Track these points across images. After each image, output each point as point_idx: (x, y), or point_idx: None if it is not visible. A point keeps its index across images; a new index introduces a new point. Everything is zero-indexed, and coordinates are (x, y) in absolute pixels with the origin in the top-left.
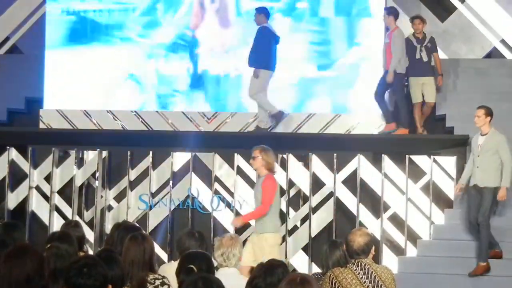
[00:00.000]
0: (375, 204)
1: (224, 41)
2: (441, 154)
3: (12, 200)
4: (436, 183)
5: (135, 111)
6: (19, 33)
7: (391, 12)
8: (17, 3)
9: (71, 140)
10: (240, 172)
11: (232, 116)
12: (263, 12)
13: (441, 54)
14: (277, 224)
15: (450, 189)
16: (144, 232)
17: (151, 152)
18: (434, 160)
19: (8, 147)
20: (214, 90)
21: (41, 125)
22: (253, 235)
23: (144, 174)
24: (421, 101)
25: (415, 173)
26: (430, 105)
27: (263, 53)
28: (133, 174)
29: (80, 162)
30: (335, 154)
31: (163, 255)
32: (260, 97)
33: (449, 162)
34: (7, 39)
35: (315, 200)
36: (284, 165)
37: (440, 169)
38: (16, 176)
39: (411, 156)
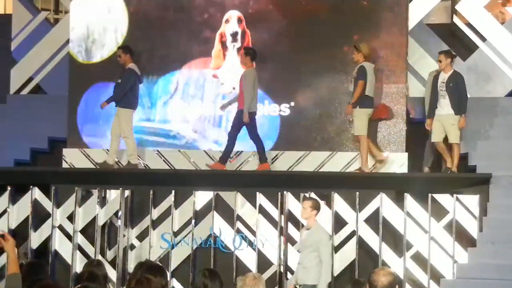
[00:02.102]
0: (397, 243)
1: None
2: (464, 193)
3: (36, 239)
4: (459, 222)
5: (158, 150)
6: (43, 73)
7: (248, 53)
8: (40, 44)
9: (93, 179)
10: (262, 210)
11: (253, 155)
12: (129, 52)
13: None
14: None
15: (473, 228)
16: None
17: (173, 191)
18: (457, 199)
19: (31, 187)
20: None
21: (64, 165)
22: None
23: (167, 213)
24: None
25: (438, 211)
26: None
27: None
28: (155, 213)
29: (102, 201)
30: (357, 193)
31: None
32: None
33: (472, 200)
34: (30, 79)
35: (337, 238)
36: None
37: (463, 207)
38: (39, 216)
39: (433, 195)
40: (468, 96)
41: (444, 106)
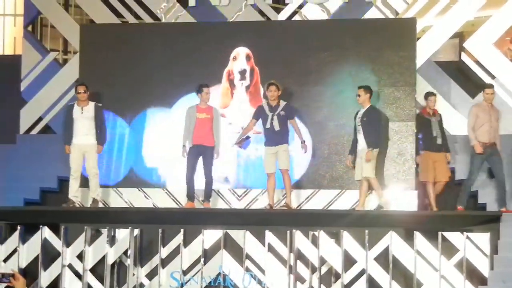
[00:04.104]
0: (408, 281)
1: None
2: (474, 231)
3: (45, 278)
4: (469, 260)
5: (166, 189)
6: (52, 113)
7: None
8: (49, 84)
9: (103, 219)
10: (271, 249)
11: (262, 193)
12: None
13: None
14: None
15: (484, 266)
16: None
17: (182, 230)
18: (467, 237)
19: (41, 226)
20: (244, 167)
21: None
22: None
23: (176, 252)
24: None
25: (448, 249)
26: (284, 171)
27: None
28: (164, 251)
29: (112, 240)
30: (366, 231)
31: None
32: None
33: (483, 238)
34: (40, 119)
35: (347, 277)
36: (315, 242)
37: (473, 245)
38: (49, 255)
39: (443, 233)
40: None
41: (360, 141)
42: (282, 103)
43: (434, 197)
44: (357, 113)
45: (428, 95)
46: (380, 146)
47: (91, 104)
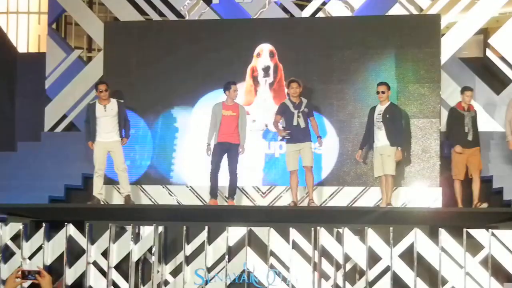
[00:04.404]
0: (432, 278)
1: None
2: (499, 228)
3: (70, 275)
4: (494, 257)
5: (190, 186)
6: (76, 110)
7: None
8: (74, 82)
9: (127, 216)
10: (295, 246)
11: (286, 190)
12: None
13: (496, 126)
14: None
15: (509, 263)
16: None
17: (206, 227)
18: (493, 234)
19: (66, 223)
20: (268, 164)
21: None
22: None
23: (200, 249)
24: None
25: (473, 246)
26: (308, 168)
27: None
28: (189, 249)
29: (136, 238)
30: (391, 228)
31: None
32: None
33: (508, 235)
34: (64, 117)
35: (371, 274)
36: (339, 239)
37: (498, 242)
38: (74, 252)
39: (468, 230)
40: (503, 129)
41: (380, 138)
42: (304, 100)
43: (461, 194)
44: (372, 109)
45: (464, 89)
46: (403, 144)
47: (113, 101)
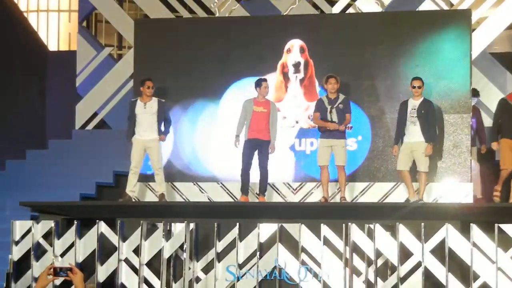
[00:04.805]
0: (464, 273)
1: (310, 112)
2: None
3: (102, 272)
4: None
5: (221, 183)
6: (107, 108)
7: None
8: (104, 79)
9: (158, 213)
10: (326, 242)
11: (317, 186)
12: None
13: None
14: None
15: None
16: None
17: (237, 224)
18: None
19: (97, 221)
20: (299, 160)
21: None
22: None
23: (231, 246)
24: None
25: (505, 242)
26: (341, 168)
27: None
28: (220, 245)
29: (168, 235)
30: (422, 224)
31: None
32: None
33: None
34: (95, 114)
35: (403, 270)
36: (371, 235)
37: None
38: (106, 249)
39: (500, 225)
40: None
41: (414, 133)
42: (341, 97)
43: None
44: (404, 104)
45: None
46: (436, 140)
47: (154, 100)
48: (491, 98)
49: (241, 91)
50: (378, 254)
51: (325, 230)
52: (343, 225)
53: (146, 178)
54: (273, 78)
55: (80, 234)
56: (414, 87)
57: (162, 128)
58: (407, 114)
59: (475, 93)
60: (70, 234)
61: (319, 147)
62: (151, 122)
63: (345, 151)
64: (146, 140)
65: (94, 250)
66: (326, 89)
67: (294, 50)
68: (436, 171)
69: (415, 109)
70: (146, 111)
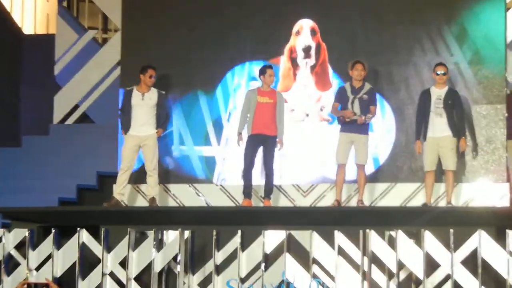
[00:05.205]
0: (500, 287)
1: (323, 104)
2: None
3: None
4: None
5: (220, 185)
6: (90, 100)
7: None
8: (87, 67)
9: (148, 219)
10: (341, 252)
11: (331, 188)
12: None
13: None
14: None
15: None
16: None
17: (239, 231)
18: None
19: (78, 229)
20: (309, 159)
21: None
22: None
23: (232, 256)
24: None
25: None
26: (361, 167)
27: None
28: (219, 256)
29: (159, 244)
30: (451, 230)
31: None
32: None
33: None
34: (76, 107)
35: (429, 283)
36: (392, 243)
37: None
38: (88, 261)
39: None
40: None
41: (440, 127)
42: (367, 86)
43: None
44: (426, 93)
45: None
46: (465, 134)
47: (154, 91)
48: None
49: (242, 79)
50: (401, 265)
51: (339, 238)
52: (361, 232)
53: (136, 179)
54: (279, 65)
55: (59, 244)
56: (438, 74)
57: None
58: (430, 104)
59: None
60: (47, 244)
61: (339, 142)
62: (149, 116)
63: (367, 148)
64: (142, 136)
65: (75, 262)
66: (352, 75)
67: (304, 32)
68: (466, 169)
69: (440, 99)
70: (144, 102)
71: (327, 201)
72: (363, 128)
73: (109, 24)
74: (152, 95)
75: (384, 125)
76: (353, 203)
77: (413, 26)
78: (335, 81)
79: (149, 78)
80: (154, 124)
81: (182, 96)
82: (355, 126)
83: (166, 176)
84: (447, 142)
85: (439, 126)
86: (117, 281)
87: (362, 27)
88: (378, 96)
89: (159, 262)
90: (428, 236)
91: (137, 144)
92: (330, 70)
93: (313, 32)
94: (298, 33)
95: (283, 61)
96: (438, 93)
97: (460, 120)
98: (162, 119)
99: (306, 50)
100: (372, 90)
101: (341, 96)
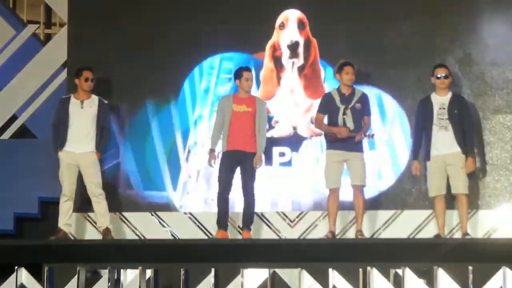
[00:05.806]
0: None
1: (313, 115)
2: None
3: None
4: None
5: (190, 213)
6: (30, 109)
7: None
8: (27, 69)
9: (102, 256)
10: None
11: (323, 217)
12: None
13: None
14: None
15: None
16: None
17: (213, 270)
18: None
19: (16, 267)
20: (297, 182)
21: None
22: None
23: None
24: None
25: None
26: (358, 189)
27: None
28: None
29: (115, 286)
30: (470, 268)
31: None
32: None
33: None
34: (14, 118)
35: None
36: (398, 284)
37: None
38: None
39: None
40: None
41: (445, 142)
42: (358, 92)
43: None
44: (425, 102)
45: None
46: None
47: (94, 98)
48: None
49: (214, 84)
50: None
51: (334, 277)
52: (360, 270)
53: (81, 206)
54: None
55: None
56: (438, 78)
57: None
58: (433, 116)
59: None
60: None
61: (327, 162)
62: (88, 129)
63: (364, 167)
64: (79, 153)
65: None
66: (340, 80)
67: (289, 25)
68: (487, 193)
69: (444, 108)
70: (83, 111)
71: (319, 233)
72: (356, 144)
73: (54, 18)
74: (93, 103)
75: (386, 139)
76: (351, 234)
77: (420, 20)
78: (328, 86)
79: (84, 82)
80: (94, 139)
81: (140, 105)
82: (348, 143)
83: (122, 203)
84: (456, 159)
85: (444, 141)
86: None
87: (361, 22)
88: (381, 103)
89: None
90: (442, 275)
91: (75, 164)
92: (322, 72)
93: (301, 25)
94: (282, 26)
95: (265, 61)
96: (440, 101)
97: (468, 134)
98: (103, 140)
99: (293, 48)
100: (365, 96)
101: (327, 106)
